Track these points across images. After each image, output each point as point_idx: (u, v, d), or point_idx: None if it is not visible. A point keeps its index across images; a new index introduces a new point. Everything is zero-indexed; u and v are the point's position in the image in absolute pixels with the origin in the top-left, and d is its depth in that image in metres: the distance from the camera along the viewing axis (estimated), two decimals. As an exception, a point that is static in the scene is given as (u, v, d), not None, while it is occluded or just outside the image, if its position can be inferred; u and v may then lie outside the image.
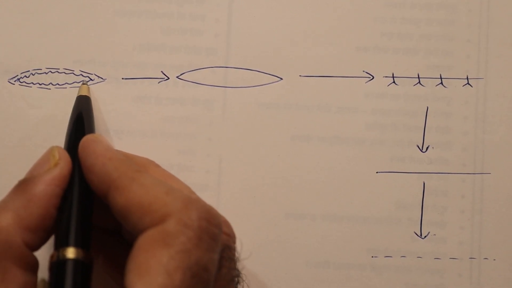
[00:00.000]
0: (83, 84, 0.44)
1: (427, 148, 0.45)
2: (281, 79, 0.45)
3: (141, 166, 0.40)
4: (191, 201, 0.36)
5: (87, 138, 0.40)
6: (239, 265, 0.39)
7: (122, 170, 0.37)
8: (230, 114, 0.45)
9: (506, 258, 0.45)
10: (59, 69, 0.45)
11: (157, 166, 0.41)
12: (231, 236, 0.39)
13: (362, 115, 0.45)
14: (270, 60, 0.45)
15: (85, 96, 0.43)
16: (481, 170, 0.45)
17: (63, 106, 0.44)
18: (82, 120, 0.42)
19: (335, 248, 0.45)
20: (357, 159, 0.45)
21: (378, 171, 0.45)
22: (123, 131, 0.45)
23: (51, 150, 0.39)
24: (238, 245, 0.40)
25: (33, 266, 0.37)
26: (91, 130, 0.42)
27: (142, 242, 0.35)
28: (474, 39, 0.46)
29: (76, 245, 0.37)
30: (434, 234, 0.45)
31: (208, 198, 0.44)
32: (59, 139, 0.44)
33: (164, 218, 0.35)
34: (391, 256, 0.45)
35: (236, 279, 0.38)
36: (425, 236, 0.45)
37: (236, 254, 0.39)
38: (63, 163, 0.39)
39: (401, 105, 0.45)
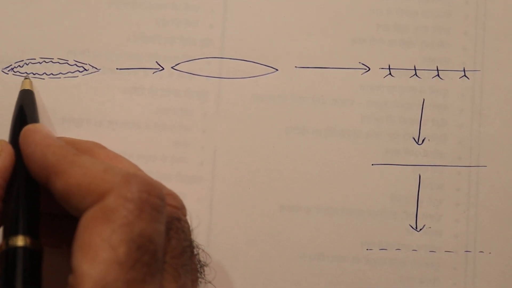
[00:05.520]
0: (25, 78, 0.44)
1: (423, 140, 0.45)
2: (277, 70, 0.45)
3: (85, 150, 0.40)
4: (130, 175, 0.35)
5: (27, 128, 0.40)
6: (192, 236, 0.39)
7: (61, 155, 0.37)
8: (224, 105, 0.45)
9: (501, 251, 0.45)
10: (53, 59, 0.45)
11: (103, 147, 0.41)
12: (180, 208, 0.39)
13: (357, 107, 0.45)
14: (265, 51, 0.45)
15: (28, 90, 0.43)
16: (477, 163, 0.45)
17: (57, 96, 0.44)
18: (24, 112, 0.41)
19: (330, 240, 0.45)
20: (353, 151, 0.45)
21: (373, 163, 0.45)
22: (117, 122, 0.45)
23: None
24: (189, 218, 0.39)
25: None
26: (34, 121, 0.42)
27: (84, 221, 0.34)
28: (471, 31, 0.45)
29: (24, 233, 0.37)
30: (430, 227, 0.45)
31: (202, 190, 0.44)
32: (52, 128, 0.44)
33: (103, 195, 0.35)
34: (386, 249, 0.45)
35: (189, 249, 0.38)
36: (420, 229, 0.45)
37: (187, 226, 0.39)
38: (5, 154, 0.39)
39: (397, 97, 0.45)
